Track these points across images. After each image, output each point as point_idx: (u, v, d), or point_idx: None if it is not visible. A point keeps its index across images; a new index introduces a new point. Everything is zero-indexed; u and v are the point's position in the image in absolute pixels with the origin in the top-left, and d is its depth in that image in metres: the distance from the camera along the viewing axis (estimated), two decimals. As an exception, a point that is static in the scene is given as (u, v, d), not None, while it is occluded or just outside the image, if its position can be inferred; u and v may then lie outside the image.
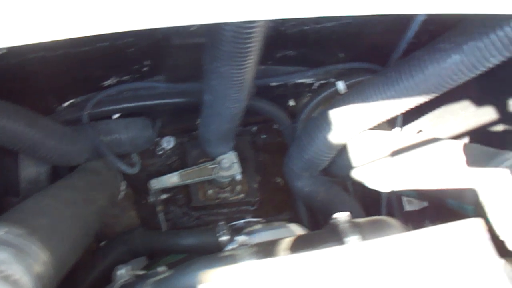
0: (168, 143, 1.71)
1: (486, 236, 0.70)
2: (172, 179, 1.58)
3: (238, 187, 1.69)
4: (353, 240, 0.88)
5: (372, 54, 1.55)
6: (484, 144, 1.40)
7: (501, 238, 1.03)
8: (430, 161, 1.20)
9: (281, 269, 0.66)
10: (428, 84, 1.18)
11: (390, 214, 1.64)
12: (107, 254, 1.38)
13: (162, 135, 1.72)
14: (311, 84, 1.65)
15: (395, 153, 1.28)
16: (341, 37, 1.46)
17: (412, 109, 1.34)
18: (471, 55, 1.09)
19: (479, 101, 1.40)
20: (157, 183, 1.58)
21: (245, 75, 1.16)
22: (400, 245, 0.71)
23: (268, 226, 1.08)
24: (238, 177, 1.58)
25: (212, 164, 1.58)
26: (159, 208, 1.63)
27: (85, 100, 1.49)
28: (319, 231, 0.99)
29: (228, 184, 1.67)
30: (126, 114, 1.55)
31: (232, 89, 1.21)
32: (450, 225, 0.73)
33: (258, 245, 0.90)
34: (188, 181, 1.60)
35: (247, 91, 1.28)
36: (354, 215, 1.54)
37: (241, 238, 0.89)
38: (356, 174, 1.42)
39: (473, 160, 1.14)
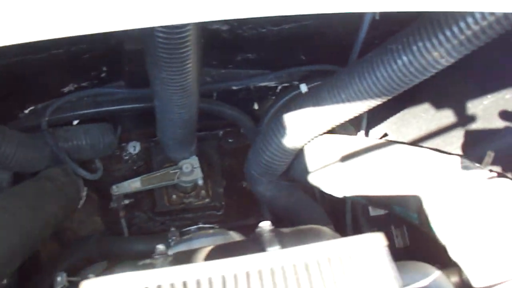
0: (134, 148, 1.71)
1: (385, 251, 0.67)
2: (134, 184, 1.58)
3: (203, 192, 1.68)
4: (274, 250, 0.85)
5: (334, 56, 1.51)
6: (444, 145, 1.35)
7: (444, 246, 0.99)
8: (378, 166, 1.17)
9: (173, 277, 0.65)
10: (379, 86, 1.15)
11: (355, 219, 1.60)
12: (63, 261, 1.39)
13: (128, 140, 1.72)
14: (275, 87, 1.63)
15: (346, 158, 1.25)
16: (301, 39, 1.43)
17: (377, 112, 1.30)
18: (420, 57, 1.06)
19: (439, 104, 1.36)
20: (118, 189, 1.58)
21: (186, 80, 1.15)
22: (300, 256, 0.69)
23: (206, 233, 1.07)
24: (200, 182, 1.56)
25: (174, 169, 1.57)
26: (122, 213, 1.63)
27: (46, 107, 1.50)
28: (242, 240, 0.97)
29: (192, 189, 1.66)
30: (88, 120, 1.55)
31: (176, 95, 1.20)
32: (353, 238, 0.71)
33: (177, 253, 0.89)
34: (150, 186, 1.59)
35: (194, 96, 1.26)
36: (317, 220, 1.52)
37: (160, 247, 0.88)
38: (312, 179, 1.39)
39: (421, 166, 1.10)
